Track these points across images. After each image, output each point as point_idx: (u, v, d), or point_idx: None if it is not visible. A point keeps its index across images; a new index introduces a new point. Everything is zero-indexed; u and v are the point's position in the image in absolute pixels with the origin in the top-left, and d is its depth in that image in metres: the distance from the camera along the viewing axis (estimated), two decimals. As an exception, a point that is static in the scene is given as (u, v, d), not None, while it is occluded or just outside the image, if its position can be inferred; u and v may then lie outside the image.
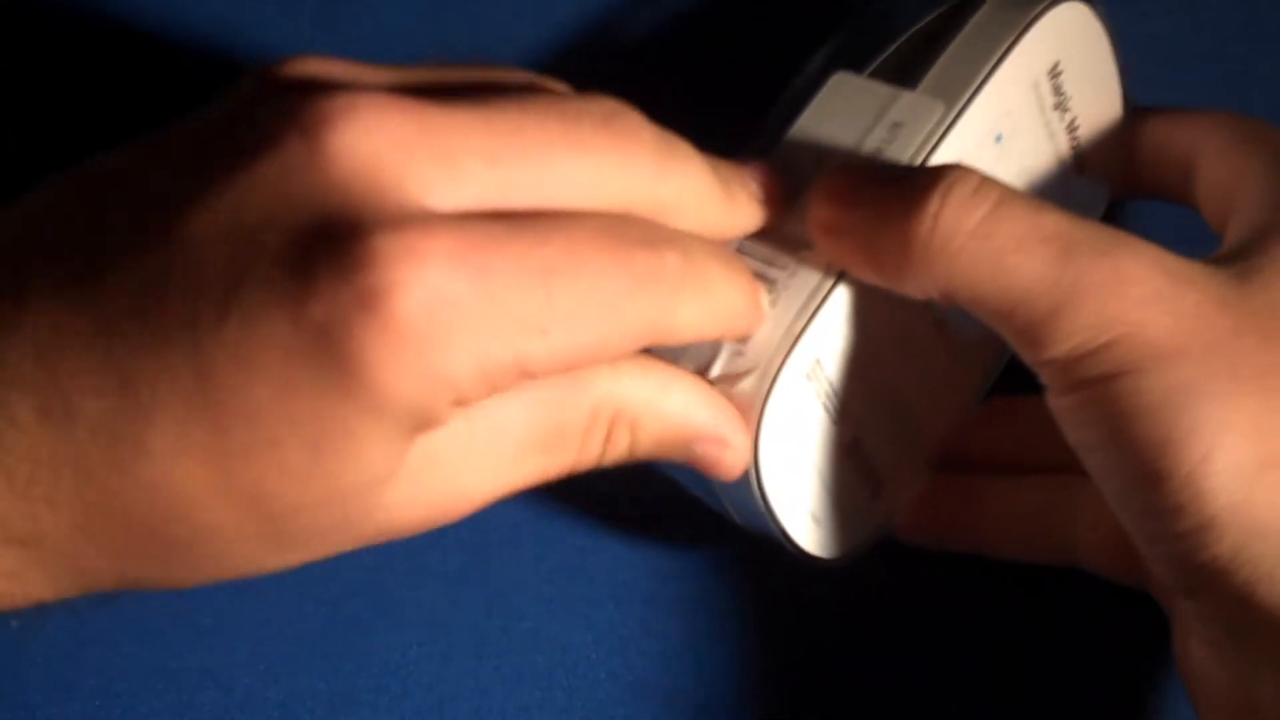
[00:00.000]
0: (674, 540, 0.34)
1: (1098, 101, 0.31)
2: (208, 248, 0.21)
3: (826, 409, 0.28)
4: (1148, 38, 0.31)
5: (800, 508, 0.28)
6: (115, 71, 0.37)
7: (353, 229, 0.21)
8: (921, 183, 0.26)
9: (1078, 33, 0.30)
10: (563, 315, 0.22)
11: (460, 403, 0.22)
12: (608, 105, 0.24)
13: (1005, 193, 0.25)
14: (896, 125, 0.28)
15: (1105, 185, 0.32)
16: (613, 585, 0.34)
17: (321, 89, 0.22)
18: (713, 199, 0.25)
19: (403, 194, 0.21)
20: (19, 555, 0.22)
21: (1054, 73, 0.29)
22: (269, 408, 0.21)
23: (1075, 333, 0.24)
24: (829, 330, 0.27)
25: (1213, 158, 0.30)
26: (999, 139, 0.29)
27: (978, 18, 0.29)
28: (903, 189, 0.26)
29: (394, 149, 0.21)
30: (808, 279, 0.27)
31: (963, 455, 0.33)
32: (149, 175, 0.23)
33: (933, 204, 0.25)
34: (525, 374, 0.22)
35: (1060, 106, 0.30)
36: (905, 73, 0.29)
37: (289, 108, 0.22)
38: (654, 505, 0.34)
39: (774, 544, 0.29)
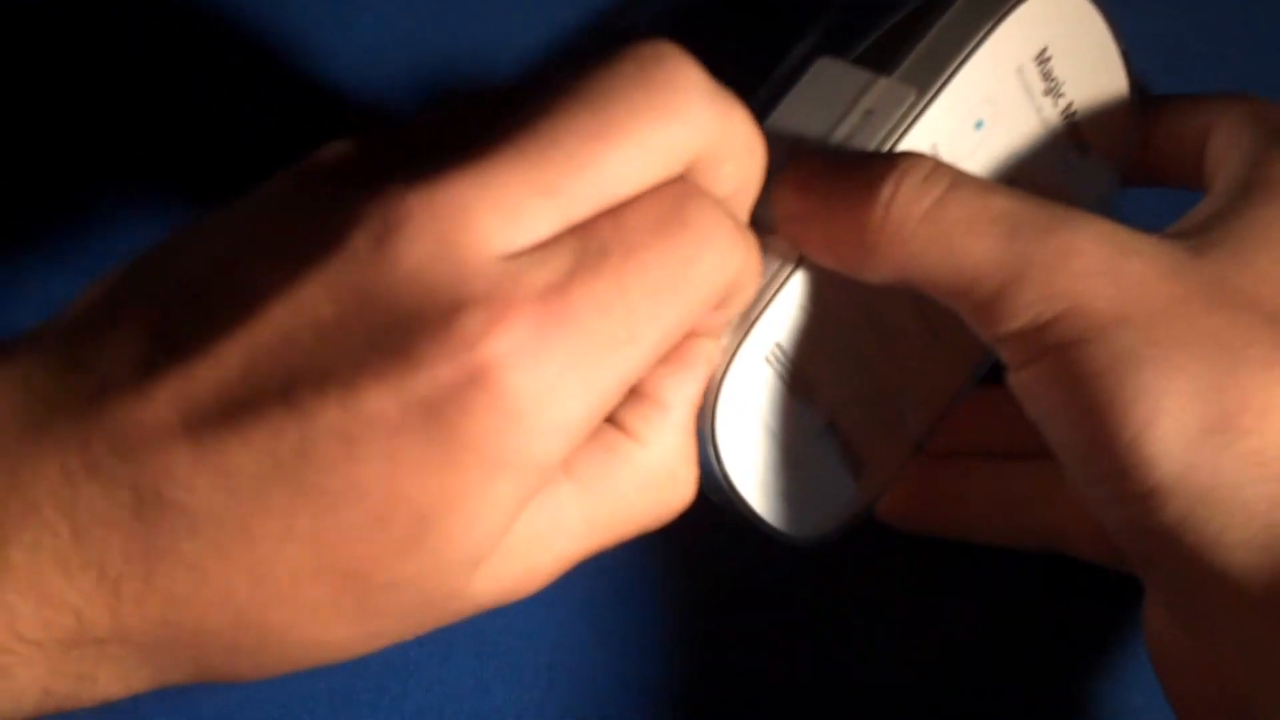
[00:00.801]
0: (674, 540, 0.34)
1: (1097, 84, 0.31)
2: (295, 335, 0.21)
3: (793, 391, 0.28)
4: (1145, 36, 0.31)
5: (770, 488, 0.29)
6: (112, 71, 0.37)
7: (441, 309, 0.21)
8: (875, 171, 0.26)
9: (1067, 17, 0.30)
10: (645, 318, 0.23)
11: (578, 439, 0.23)
12: (630, 67, 0.23)
13: (956, 178, 0.26)
14: (869, 112, 0.28)
15: (1115, 166, 0.32)
16: (613, 585, 0.34)
17: (375, 187, 0.22)
18: (754, 147, 0.25)
19: (479, 260, 0.22)
20: (95, 654, 0.22)
21: (1041, 58, 0.29)
22: (375, 485, 0.21)
23: (1025, 308, 0.25)
24: (789, 314, 0.28)
25: (1219, 137, 0.30)
26: (979, 125, 0.29)
27: (960, 3, 0.29)
28: (857, 177, 0.26)
29: (457, 226, 0.22)
30: (768, 264, 0.27)
31: (947, 440, 0.33)
32: (218, 265, 0.23)
33: (885, 191, 0.26)
34: (629, 383, 0.23)
35: (1052, 91, 0.30)
36: (886, 59, 0.29)
37: (353, 216, 0.22)
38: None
39: (759, 530, 0.29)
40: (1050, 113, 0.30)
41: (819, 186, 0.27)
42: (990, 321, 0.26)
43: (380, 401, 0.21)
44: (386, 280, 0.21)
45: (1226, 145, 0.29)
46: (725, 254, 0.24)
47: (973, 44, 0.28)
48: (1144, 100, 0.32)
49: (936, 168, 0.26)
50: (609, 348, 0.22)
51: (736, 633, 0.33)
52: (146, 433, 0.21)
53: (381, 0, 0.38)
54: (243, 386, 0.21)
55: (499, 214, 0.22)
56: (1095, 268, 0.25)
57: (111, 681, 0.23)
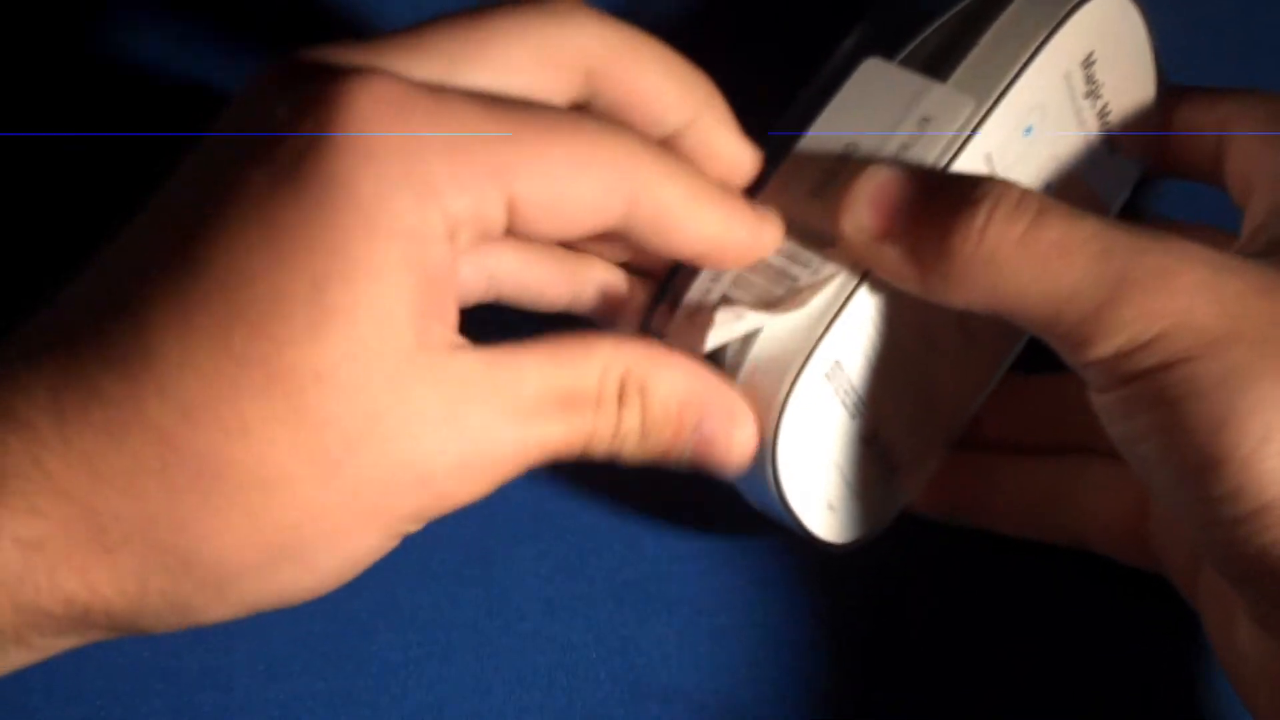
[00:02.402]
0: (674, 540, 0.34)
1: (1131, 85, 0.31)
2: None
3: (845, 405, 0.28)
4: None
5: (816, 499, 0.29)
6: (108, 64, 0.37)
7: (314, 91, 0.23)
8: (966, 196, 0.26)
9: (1113, 21, 0.30)
10: (532, 156, 0.24)
11: (452, 228, 0.23)
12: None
13: (1044, 203, 0.26)
14: (925, 120, 0.28)
15: (1139, 162, 0.32)
16: (613, 585, 0.34)
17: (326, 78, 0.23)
18: (663, 55, 0.27)
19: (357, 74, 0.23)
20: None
21: (1087, 63, 0.29)
22: (259, 258, 0.22)
23: (1123, 328, 0.25)
24: (850, 332, 0.27)
25: (1241, 139, 0.30)
26: (1028, 131, 0.29)
27: (1013, 8, 0.29)
28: (946, 201, 0.26)
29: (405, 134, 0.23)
30: (831, 281, 0.27)
31: (978, 433, 0.33)
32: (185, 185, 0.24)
33: (979, 218, 0.26)
34: (510, 211, 0.24)
35: (1092, 94, 0.30)
36: (937, 61, 0.29)
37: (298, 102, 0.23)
38: (655, 505, 0.34)
39: (787, 531, 0.29)
40: (1088, 115, 0.30)
41: (901, 206, 0.26)
42: (1083, 344, 0.25)
43: (253, 176, 0.22)
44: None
45: (1256, 153, 0.29)
46: (657, 175, 0.25)
47: (1029, 53, 0.28)
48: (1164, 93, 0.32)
49: (1025, 194, 0.26)
50: (488, 154, 0.23)
51: (736, 633, 0.33)
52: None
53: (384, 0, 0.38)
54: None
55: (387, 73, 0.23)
56: (1195, 285, 0.25)
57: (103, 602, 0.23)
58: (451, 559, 0.34)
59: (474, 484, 0.25)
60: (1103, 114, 0.30)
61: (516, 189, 0.24)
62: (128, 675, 0.32)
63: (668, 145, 0.27)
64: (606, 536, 0.34)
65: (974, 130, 0.27)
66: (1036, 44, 0.28)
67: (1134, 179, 0.33)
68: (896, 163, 0.27)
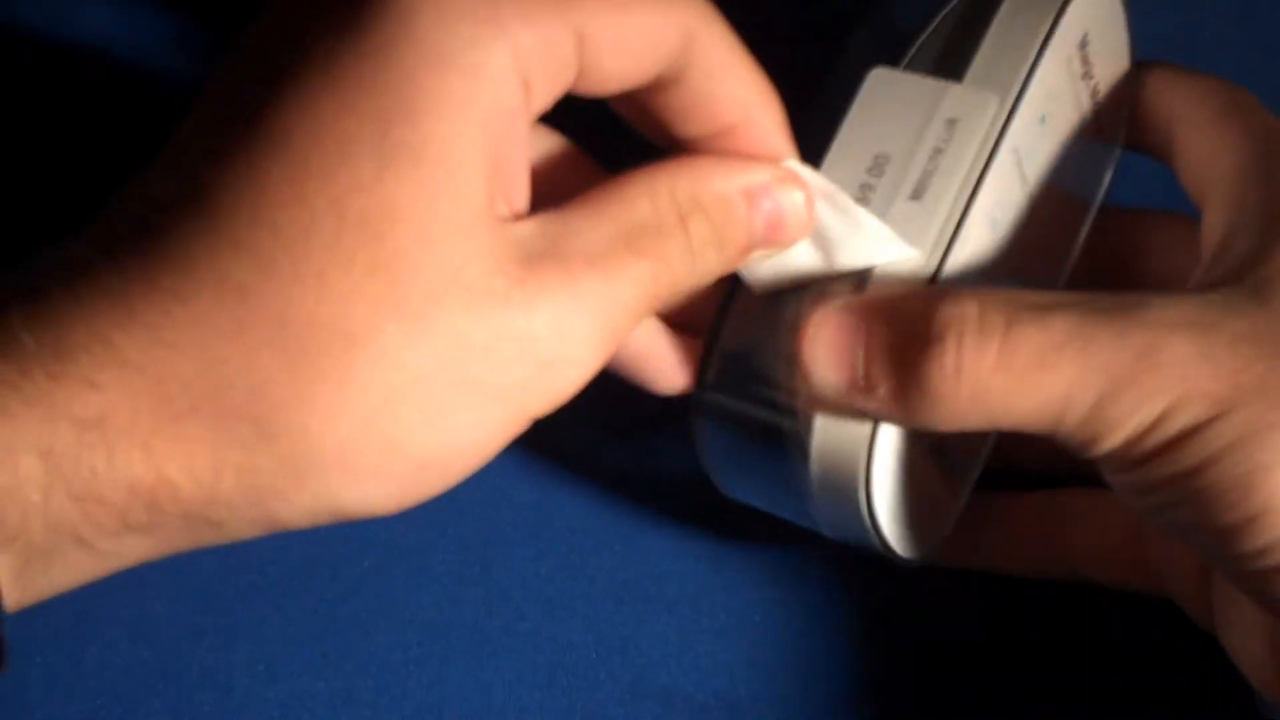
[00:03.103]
0: (674, 540, 0.34)
1: (1113, 64, 0.31)
2: None
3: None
4: (1149, 37, 0.31)
5: (901, 518, 0.28)
6: (105, 59, 0.37)
7: None
8: (926, 333, 0.25)
9: (1101, 1, 0.30)
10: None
11: (523, 68, 0.22)
12: None
13: (1008, 311, 0.25)
14: (952, 121, 0.27)
15: (1116, 145, 0.32)
16: (613, 585, 0.34)
17: None
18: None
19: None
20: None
21: (1083, 44, 0.29)
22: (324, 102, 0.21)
23: (1125, 419, 0.24)
24: None
25: (1191, 133, 0.29)
26: (1043, 120, 0.28)
27: (1009, 1, 0.28)
28: (909, 341, 0.25)
29: None
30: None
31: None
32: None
33: (948, 356, 0.25)
34: (580, 47, 0.23)
35: (1086, 75, 0.30)
36: (946, 62, 0.28)
37: None
38: (655, 505, 0.34)
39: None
40: (1084, 97, 0.30)
41: (862, 353, 0.26)
42: (1089, 443, 0.25)
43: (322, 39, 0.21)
44: None
45: (1208, 153, 0.28)
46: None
47: (1040, 41, 0.28)
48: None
49: (984, 309, 0.25)
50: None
51: (736, 633, 0.33)
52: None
53: None
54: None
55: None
56: (1185, 355, 0.24)
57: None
58: (451, 559, 0.34)
59: (581, 350, 0.23)
60: (1094, 94, 0.30)
61: (584, 23, 0.23)
62: (128, 675, 0.32)
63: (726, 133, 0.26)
64: (606, 536, 0.34)
65: (1005, 125, 0.27)
66: (1045, 31, 0.28)
67: (1115, 159, 0.32)
68: (841, 298, 0.26)
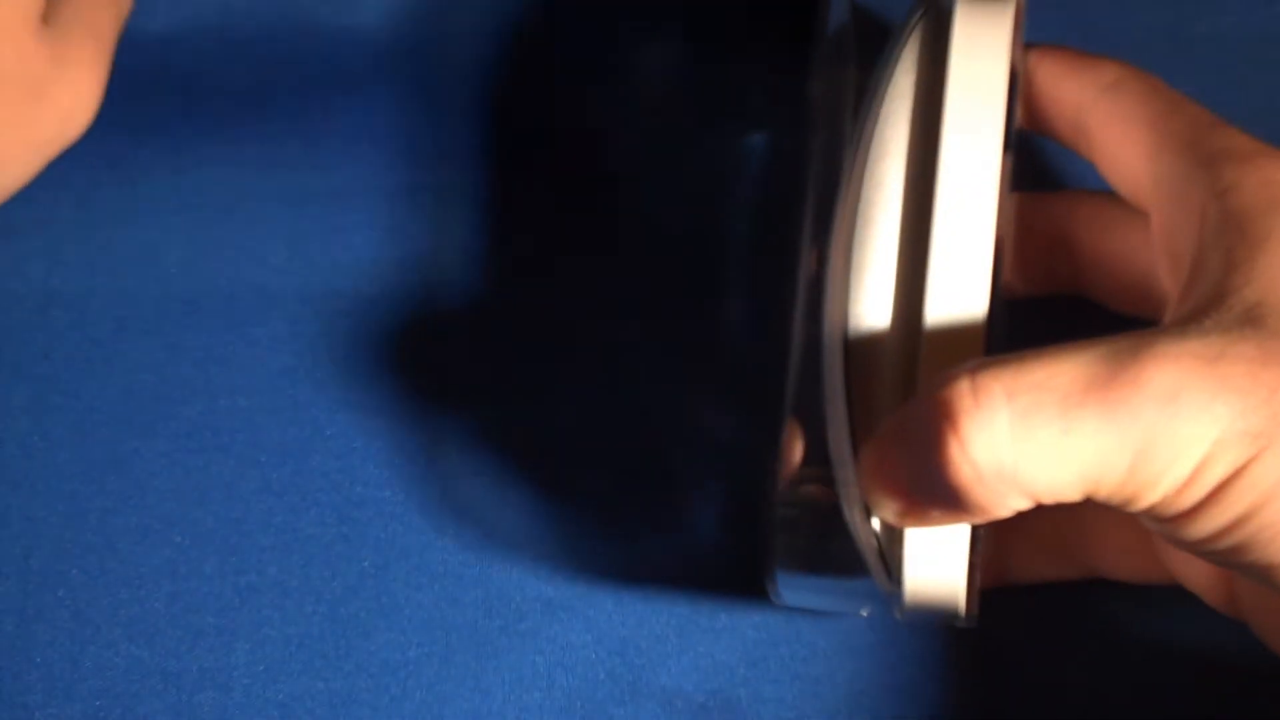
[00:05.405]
0: (674, 540, 0.34)
1: (1018, 54, 0.29)
2: None
3: None
4: (1140, 29, 0.31)
5: (973, 592, 0.27)
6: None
7: None
8: (926, 435, 0.24)
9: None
10: None
11: None
12: None
13: (1003, 377, 0.23)
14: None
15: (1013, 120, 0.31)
16: (613, 585, 0.34)
17: None
18: None
19: None
20: None
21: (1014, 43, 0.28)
22: None
23: (1161, 476, 0.23)
24: None
25: (1113, 128, 0.28)
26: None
27: (957, 30, 0.27)
28: (918, 440, 0.24)
29: None
30: None
31: None
32: None
33: (952, 449, 0.23)
34: None
35: (1013, 77, 0.29)
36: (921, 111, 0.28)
37: None
38: (655, 505, 0.34)
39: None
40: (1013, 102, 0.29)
41: (902, 472, 0.25)
42: (1131, 501, 0.24)
43: None
44: None
45: (1149, 152, 0.28)
46: None
47: (1005, 67, 0.27)
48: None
49: (973, 380, 0.23)
50: None
51: (736, 633, 0.33)
52: None
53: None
54: None
55: None
56: (1207, 396, 0.23)
57: None
58: (451, 559, 0.34)
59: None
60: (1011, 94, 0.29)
61: None
62: (128, 675, 0.32)
63: None
64: (606, 537, 0.34)
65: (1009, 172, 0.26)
66: (1007, 58, 0.27)
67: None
68: (881, 432, 0.25)
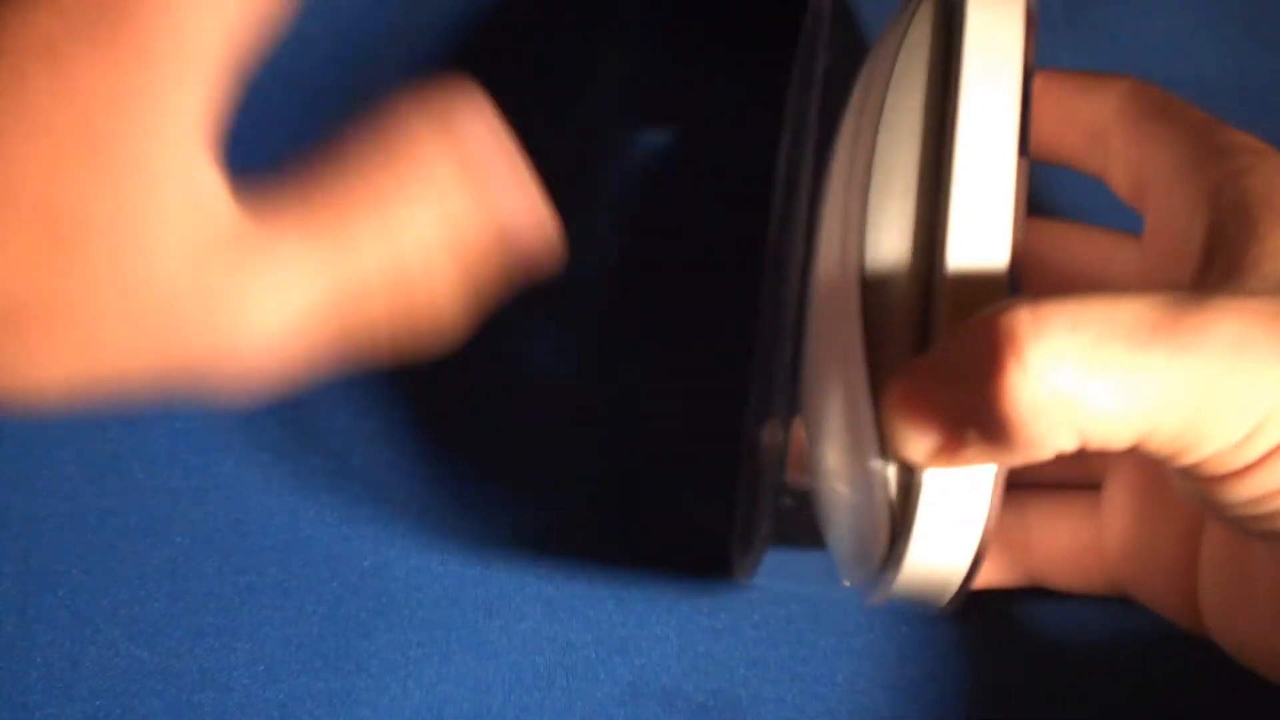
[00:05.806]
0: (674, 541, 0.34)
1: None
2: None
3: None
4: (1152, 33, 0.31)
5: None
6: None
7: None
8: (981, 362, 0.22)
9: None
10: None
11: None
12: None
13: (1068, 307, 0.22)
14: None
15: None
16: (613, 585, 0.34)
17: None
18: None
19: None
20: None
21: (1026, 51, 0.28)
22: (45, 97, 0.20)
23: (1222, 429, 0.22)
24: None
25: (1130, 129, 0.28)
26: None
27: (970, 27, 0.27)
28: (967, 379, 0.23)
29: None
30: None
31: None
32: None
33: (1014, 375, 0.22)
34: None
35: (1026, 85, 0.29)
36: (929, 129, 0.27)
37: None
38: (655, 504, 0.34)
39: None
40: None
41: (941, 400, 0.23)
42: (1185, 452, 0.23)
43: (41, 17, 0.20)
44: None
45: (1158, 145, 0.28)
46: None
47: (1021, 77, 0.27)
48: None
49: (1034, 310, 0.22)
50: None
51: (737, 633, 0.33)
52: None
53: None
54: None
55: None
56: (1275, 346, 0.22)
57: None
58: (451, 559, 0.34)
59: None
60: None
61: None
62: (128, 675, 0.33)
63: None
64: (606, 537, 0.34)
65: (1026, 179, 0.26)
66: (1022, 66, 0.27)
67: None
68: (909, 363, 0.24)
